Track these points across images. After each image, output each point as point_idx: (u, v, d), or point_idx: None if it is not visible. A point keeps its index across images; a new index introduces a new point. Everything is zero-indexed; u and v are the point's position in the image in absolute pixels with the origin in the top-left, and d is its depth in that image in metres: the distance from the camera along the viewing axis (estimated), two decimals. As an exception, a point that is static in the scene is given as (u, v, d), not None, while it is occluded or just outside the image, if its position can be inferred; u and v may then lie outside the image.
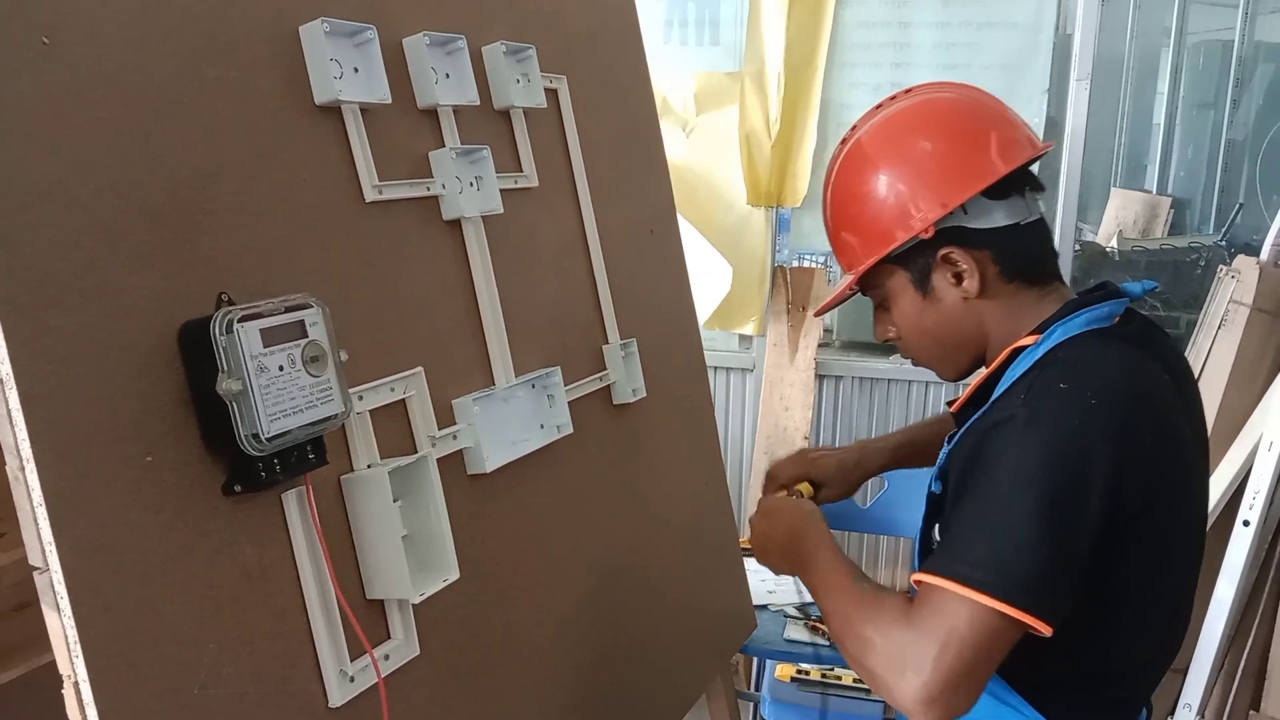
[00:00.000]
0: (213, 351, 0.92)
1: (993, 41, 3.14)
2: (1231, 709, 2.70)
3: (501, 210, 1.34)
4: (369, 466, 1.11)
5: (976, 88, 1.23)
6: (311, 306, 1.01)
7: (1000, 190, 1.14)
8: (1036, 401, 1.05)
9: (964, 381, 1.28)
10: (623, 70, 1.77)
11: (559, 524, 1.45)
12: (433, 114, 1.30)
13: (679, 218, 3.21)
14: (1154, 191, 4.46)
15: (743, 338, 3.47)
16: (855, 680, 2.30)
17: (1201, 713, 2.68)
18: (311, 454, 1.02)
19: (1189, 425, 1.16)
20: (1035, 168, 1.23)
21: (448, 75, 1.31)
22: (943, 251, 1.15)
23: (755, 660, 2.76)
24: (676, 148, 3.31)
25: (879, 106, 1.24)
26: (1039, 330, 1.14)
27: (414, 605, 1.14)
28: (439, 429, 1.22)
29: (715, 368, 3.43)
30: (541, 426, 1.39)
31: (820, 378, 3.35)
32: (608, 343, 1.60)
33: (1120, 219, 4.22)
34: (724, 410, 3.46)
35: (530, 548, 1.38)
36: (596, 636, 1.52)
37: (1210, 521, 2.69)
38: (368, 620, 1.11)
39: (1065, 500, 1.01)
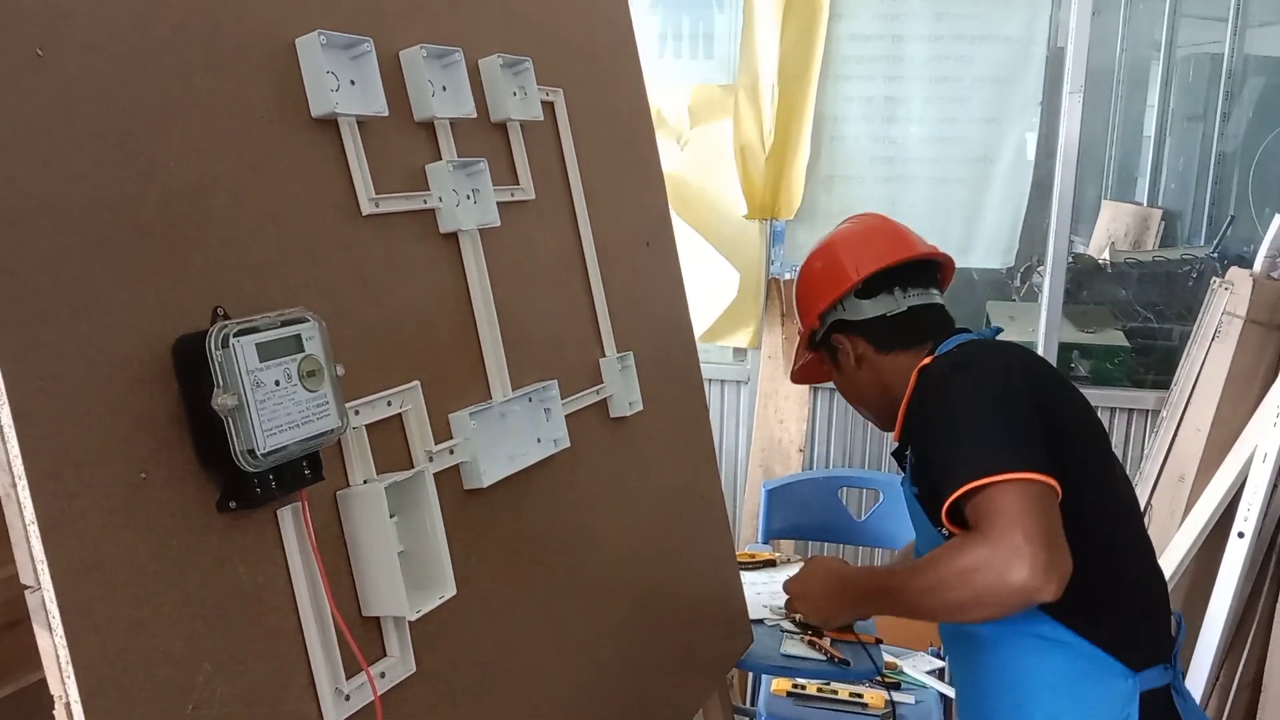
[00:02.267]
0: (208, 366, 0.91)
1: (985, 55, 3.15)
2: (1228, 721, 2.69)
3: (498, 223, 1.34)
4: (365, 482, 1.10)
5: (881, 217, 1.67)
6: (308, 320, 1.00)
7: (867, 292, 1.55)
8: (956, 360, 1.41)
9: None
10: (619, 83, 1.77)
11: (556, 539, 1.44)
12: (429, 127, 1.30)
13: (686, 225, 3.22)
14: (1144, 204, 4.47)
15: (737, 350, 3.47)
16: (852, 695, 2.28)
17: (1198, 726, 2.67)
18: (307, 470, 1.00)
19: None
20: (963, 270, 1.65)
21: (444, 88, 1.30)
22: (833, 337, 1.60)
23: (751, 675, 2.75)
24: (671, 160, 3.31)
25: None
26: (930, 353, 1.48)
27: (410, 622, 1.12)
28: (436, 444, 1.21)
29: (710, 380, 3.43)
30: (539, 440, 1.38)
31: (814, 390, 3.34)
32: (605, 356, 1.59)
33: (1111, 231, 4.22)
34: (719, 423, 3.45)
35: (527, 563, 1.37)
36: (593, 652, 1.51)
37: (1205, 533, 2.70)
38: (363, 638, 1.09)
39: (1006, 398, 1.30)
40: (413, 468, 1.14)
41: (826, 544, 3.24)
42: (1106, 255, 3.84)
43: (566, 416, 1.44)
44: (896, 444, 1.54)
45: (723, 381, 3.45)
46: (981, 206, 3.22)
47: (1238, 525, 2.58)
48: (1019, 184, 3.20)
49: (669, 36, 3.37)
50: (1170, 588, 2.72)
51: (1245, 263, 3.08)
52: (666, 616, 1.73)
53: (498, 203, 1.35)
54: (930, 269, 1.61)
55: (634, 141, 1.80)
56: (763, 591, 2.19)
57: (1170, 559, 2.70)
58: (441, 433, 1.23)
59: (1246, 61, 4.22)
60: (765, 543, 2.69)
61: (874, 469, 3.39)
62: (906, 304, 1.54)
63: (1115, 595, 1.35)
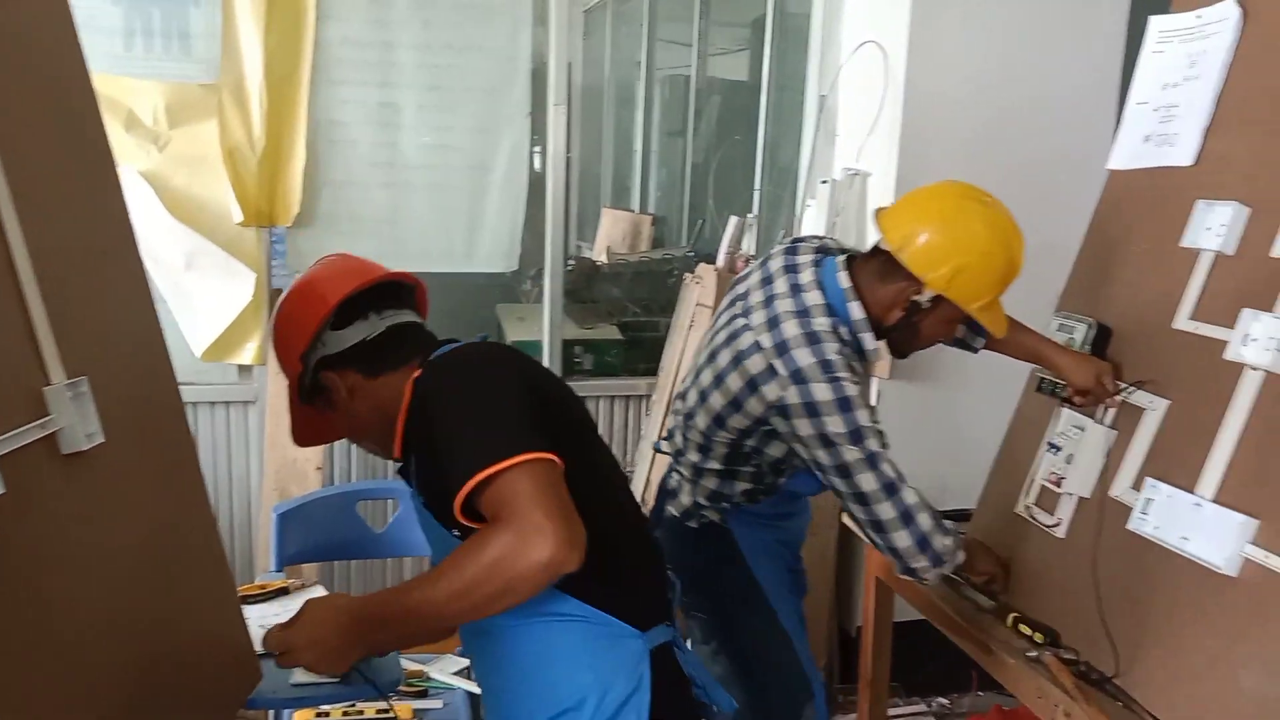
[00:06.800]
0: None
1: (473, 66, 3.25)
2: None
3: (-122, 233, 1.11)
4: None
5: (342, 254, 1.63)
6: None
7: (341, 321, 1.52)
8: (444, 363, 1.44)
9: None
10: (56, 76, 1.56)
11: (-5, 602, 1.23)
12: None
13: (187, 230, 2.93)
14: (637, 210, 4.90)
15: (242, 368, 3.25)
16: (379, 711, 2.23)
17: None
18: None
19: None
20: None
21: None
22: (321, 377, 1.53)
23: (273, 714, 2.59)
24: (150, 163, 3.02)
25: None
26: (421, 365, 1.47)
27: None
28: None
29: (213, 403, 3.19)
30: (-43, 490, 1.17)
31: (329, 403, 3.23)
32: (51, 383, 1.39)
33: (610, 236, 4.58)
34: (225, 448, 3.22)
35: (-48, 635, 1.16)
36: (59, 723, 1.31)
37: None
38: None
39: (499, 386, 1.38)
40: None
41: (351, 562, 3.16)
42: (604, 258, 4.15)
43: (1, 457, 1.23)
44: (400, 461, 1.53)
45: (228, 403, 3.22)
46: (481, 213, 3.32)
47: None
48: (515, 191, 3.34)
49: (138, 32, 3.07)
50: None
51: (714, 260, 3.48)
52: (159, 665, 1.56)
53: (-122, 208, 1.12)
54: (403, 292, 1.61)
55: (80, 141, 1.60)
56: (271, 622, 2.06)
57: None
58: None
59: (710, 83, 4.79)
60: (279, 570, 2.54)
61: (394, 478, 3.36)
62: (384, 324, 1.54)
63: (616, 560, 1.44)
